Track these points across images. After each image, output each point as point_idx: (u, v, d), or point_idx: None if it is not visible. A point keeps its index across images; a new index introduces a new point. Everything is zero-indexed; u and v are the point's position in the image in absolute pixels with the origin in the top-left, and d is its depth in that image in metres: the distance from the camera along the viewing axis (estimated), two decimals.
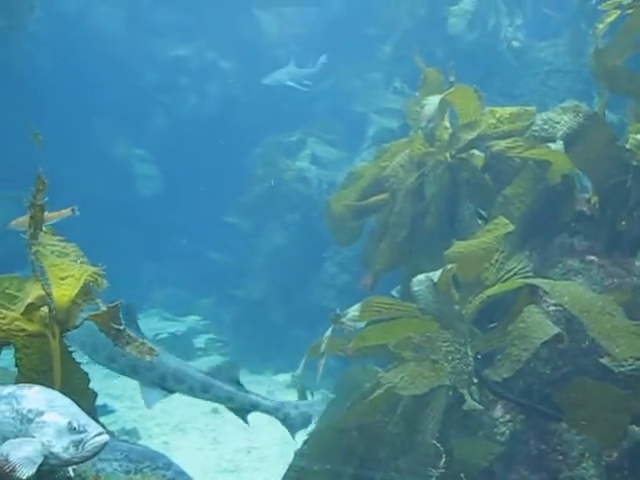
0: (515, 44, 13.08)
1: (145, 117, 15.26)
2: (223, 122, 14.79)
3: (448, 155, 5.68)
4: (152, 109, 15.36)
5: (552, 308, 5.05)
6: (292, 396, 5.58)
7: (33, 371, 3.33)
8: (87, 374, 3.42)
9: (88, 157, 14.24)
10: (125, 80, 14.80)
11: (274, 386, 11.67)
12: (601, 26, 6.06)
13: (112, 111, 14.69)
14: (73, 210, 4.57)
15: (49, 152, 3.70)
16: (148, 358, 3.23)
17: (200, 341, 13.26)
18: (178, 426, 10.26)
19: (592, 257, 5.50)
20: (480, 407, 4.54)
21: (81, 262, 3.41)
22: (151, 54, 15.35)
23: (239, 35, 15.35)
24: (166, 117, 15.38)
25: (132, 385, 10.06)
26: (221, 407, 10.76)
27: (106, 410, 9.69)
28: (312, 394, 5.60)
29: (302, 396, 5.42)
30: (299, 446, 5.08)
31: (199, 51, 15.45)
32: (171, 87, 15.34)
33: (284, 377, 11.76)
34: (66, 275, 3.26)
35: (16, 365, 3.38)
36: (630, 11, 5.94)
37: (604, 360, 4.59)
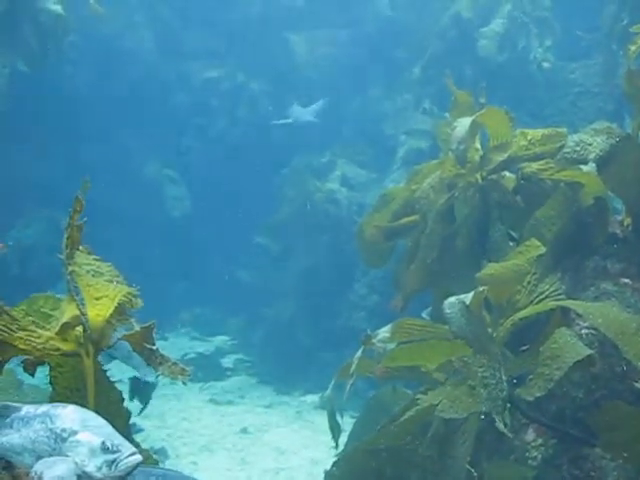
0: (545, 65, 13.08)
1: (176, 138, 15.44)
2: (253, 143, 14.89)
3: (479, 177, 5.66)
4: (183, 131, 15.53)
5: (584, 331, 5.01)
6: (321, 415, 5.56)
7: (67, 389, 3.36)
8: (121, 393, 3.45)
9: (120, 177, 14.41)
10: (157, 102, 14.98)
11: (302, 407, 11.65)
12: (633, 47, 6.03)
13: (144, 132, 14.87)
14: (4, 246, 4.55)
15: (83, 172, 3.75)
16: (181, 379, 3.25)
17: (228, 361, 13.30)
18: (206, 446, 10.28)
19: (626, 280, 5.44)
20: (509, 434, 4.49)
21: (116, 282, 3.45)
22: (182, 76, 15.54)
23: (270, 57, 15.47)
24: (197, 139, 15.53)
25: (159, 403, 10.12)
26: (250, 427, 10.79)
27: (134, 429, 9.74)
28: (341, 415, 5.60)
29: (332, 418, 5.41)
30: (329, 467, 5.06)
31: (230, 73, 15.60)
32: (202, 109, 15.50)
33: (312, 398, 11.74)
34: (101, 295, 3.30)
35: (50, 383, 3.42)
36: None
37: (639, 384, 4.54)
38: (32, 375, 3.31)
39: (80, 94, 14.32)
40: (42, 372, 3.44)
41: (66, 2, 12.46)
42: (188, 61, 15.63)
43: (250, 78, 15.53)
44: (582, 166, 5.71)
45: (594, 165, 5.71)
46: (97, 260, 3.53)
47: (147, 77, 15.04)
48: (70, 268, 3.28)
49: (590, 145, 5.81)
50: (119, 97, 14.36)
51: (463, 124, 5.39)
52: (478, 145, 5.74)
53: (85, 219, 3.27)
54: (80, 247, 3.39)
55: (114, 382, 3.42)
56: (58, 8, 12.40)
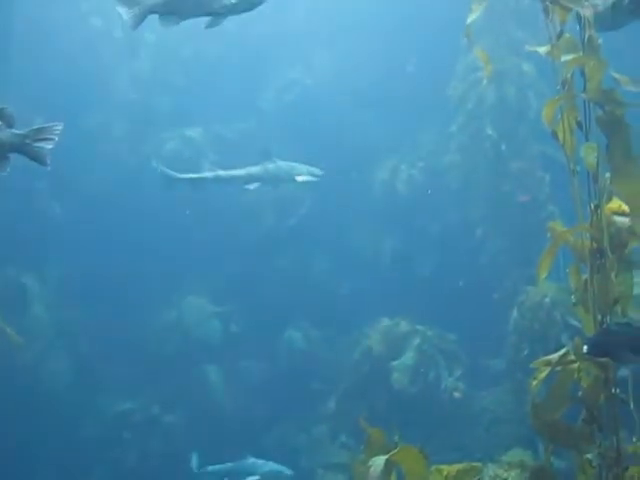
0: (456, 395, 13.50)
1: (85, 471, 14.83)
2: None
3: None
4: (94, 465, 14.98)
5: None
6: None
7: None
8: None
9: None
10: (67, 433, 14.55)
11: None
12: (535, 382, 6.32)
13: (54, 463, 14.27)
14: None
15: None
16: None
17: None
18: None
19: None
20: None
21: None
22: (94, 408, 15.30)
23: (186, 388, 15.50)
24: (107, 472, 14.96)
25: None
26: None
27: None
28: None
29: None
30: None
31: (144, 405, 15.46)
32: (114, 441, 15.09)
33: None
34: None
35: None
36: (559, 368, 6.23)
37: None
38: None
39: None
40: None
41: None
42: (101, 392, 15.49)
43: (165, 411, 15.39)
44: None
45: None
46: None
47: (59, 411, 14.76)
48: None
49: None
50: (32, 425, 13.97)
51: (378, 464, 5.40)
52: None
53: None
54: None
55: None
56: None
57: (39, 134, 4.93)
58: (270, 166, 13.79)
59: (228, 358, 15.91)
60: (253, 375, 15.88)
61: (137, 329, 15.85)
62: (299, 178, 13.73)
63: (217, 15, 5.88)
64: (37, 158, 4.94)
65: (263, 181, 13.79)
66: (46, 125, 5.00)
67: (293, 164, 13.97)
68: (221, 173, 13.81)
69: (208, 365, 15.85)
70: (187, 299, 16.40)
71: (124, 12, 5.75)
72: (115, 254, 15.62)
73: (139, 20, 5.82)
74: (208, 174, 13.82)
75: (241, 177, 13.75)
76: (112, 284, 15.54)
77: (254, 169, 13.79)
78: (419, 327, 13.82)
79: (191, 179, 13.70)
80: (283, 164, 13.92)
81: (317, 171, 13.92)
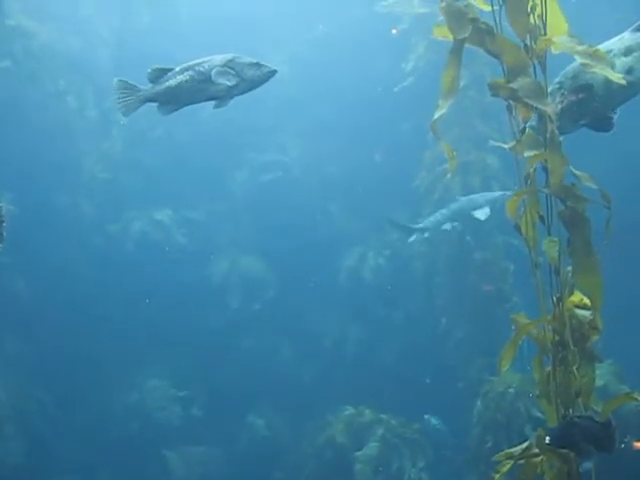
0: None
1: None
2: None
3: None
4: None
5: None
6: None
7: None
8: None
9: None
10: None
11: None
12: (497, 475, 6.25)
13: None
14: None
15: None
16: None
17: None
18: None
19: None
20: None
21: None
22: None
23: (145, 473, 15.14)
24: None
25: None
26: None
27: None
28: None
29: None
30: None
31: None
32: None
33: None
34: None
35: None
36: (522, 461, 6.19)
37: None
38: None
39: None
40: None
41: None
42: (55, 475, 14.97)
43: None
44: None
45: None
46: None
47: None
48: None
49: None
50: None
51: None
52: None
53: None
54: None
55: None
56: None
57: None
58: (454, 205, 14.07)
59: (189, 443, 15.63)
60: (214, 461, 15.60)
61: (96, 410, 15.55)
62: (476, 214, 13.70)
63: (217, 99, 5.96)
64: None
65: (453, 220, 14.08)
66: None
67: (473, 197, 13.98)
68: (423, 224, 14.33)
69: (168, 449, 15.54)
70: (149, 382, 16.16)
71: (119, 99, 5.78)
72: (77, 333, 15.41)
73: (133, 108, 5.86)
74: (421, 225, 14.35)
75: (437, 222, 14.14)
76: (73, 363, 15.27)
77: (444, 211, 14.13)
78: (383, 416, 13.72)
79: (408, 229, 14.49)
80: (464, 199, 14.05)
81: (501, 195, 13.45)
